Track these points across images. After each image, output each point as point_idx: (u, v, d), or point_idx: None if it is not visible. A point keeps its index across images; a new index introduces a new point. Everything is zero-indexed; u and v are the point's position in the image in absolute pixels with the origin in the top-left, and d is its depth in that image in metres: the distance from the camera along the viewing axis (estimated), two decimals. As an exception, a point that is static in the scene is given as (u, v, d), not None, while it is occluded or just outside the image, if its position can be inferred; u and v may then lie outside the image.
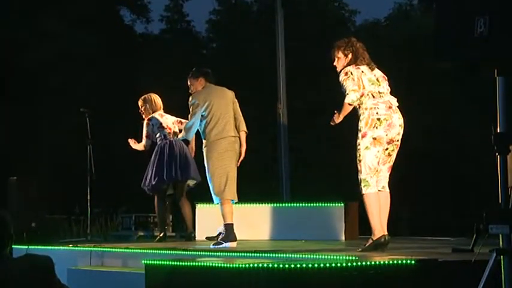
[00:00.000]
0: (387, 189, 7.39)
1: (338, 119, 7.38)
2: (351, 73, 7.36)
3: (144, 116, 10.23)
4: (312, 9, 25.21)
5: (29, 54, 20.84)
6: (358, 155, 7.27)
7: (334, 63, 7.57)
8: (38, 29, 21.17)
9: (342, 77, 7.40)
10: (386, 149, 7.31)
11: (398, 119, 7.35)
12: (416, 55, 21.43)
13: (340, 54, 7.52)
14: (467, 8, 5.15)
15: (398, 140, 7.37)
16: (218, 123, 8.68)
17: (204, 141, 8.78)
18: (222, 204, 8.63)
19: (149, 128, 10.09)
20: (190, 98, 8.85)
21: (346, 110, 7.34)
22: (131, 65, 22.40)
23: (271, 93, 14.80)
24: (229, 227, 8.59)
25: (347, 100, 7.30)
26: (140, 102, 10.24)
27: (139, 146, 10.17)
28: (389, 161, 7.36)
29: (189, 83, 9.10)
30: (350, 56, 7.48)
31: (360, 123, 7.30)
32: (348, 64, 7.46)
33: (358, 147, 7.27)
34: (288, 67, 13.57)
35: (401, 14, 26.03)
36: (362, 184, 7.25)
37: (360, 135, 7.28)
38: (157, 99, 10.23)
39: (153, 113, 10.16)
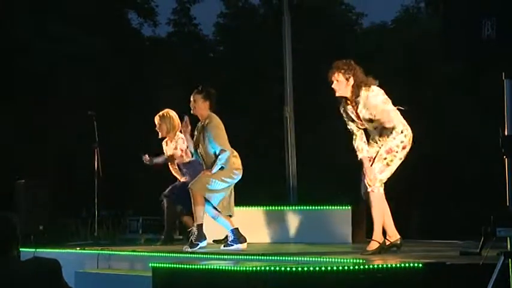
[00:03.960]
0: None
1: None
2: (384, 94, 7.39)
3: (161, 134, 9.74)
4: (318, 12, 25.21)
5: (36, 56, 20.89)
6: (390, 160, 7.32)
7: (333, 86, 7.48)
8: (45, 32, 21.22)
9: (380, 98, 7.35)
10: None
11: None
12: (423, 58, 21.40)
13: (341, 78, 7.42)
14: (475, 11, 5.15)
15: None
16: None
17: (221, 164, 8.59)
18: (196, 205, 8.57)
19: (183, 145, 9.61)
20: (213, 122, 8.59)
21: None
22: (138, 68, 22.43)
23: (278, 95, 14.81)
24: (200, 227, 8.60)
25: (395, 133, 7.32)
26: (157, 119, 9.72)
27: (161, 159, 9.82)
28: None
29: (192, 99, 8.73)
30: (351, 80, 7.40)
31: (402, 137, 7.33)
32: (353, 89, 7.37)
33: (395, 154, 7.32)
34: (295, 70, 13.57)
35: (409, 17, 26.00)
36: (378, 184, 7.30)
37: (401, 145, 7.34)
38: (176, 117, 9.72)
39: (169, 132, 9.70)
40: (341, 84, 7.42)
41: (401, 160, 7.36)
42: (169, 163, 9.85)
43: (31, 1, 21.49)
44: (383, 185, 7.33)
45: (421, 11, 26.29)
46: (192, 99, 8.75)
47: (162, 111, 9.78)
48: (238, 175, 8.63)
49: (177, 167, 9.84)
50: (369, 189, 7.28)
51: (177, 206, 9.68)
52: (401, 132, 7.34)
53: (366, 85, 7.38)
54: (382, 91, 7.42)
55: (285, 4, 13.55)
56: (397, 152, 7.32)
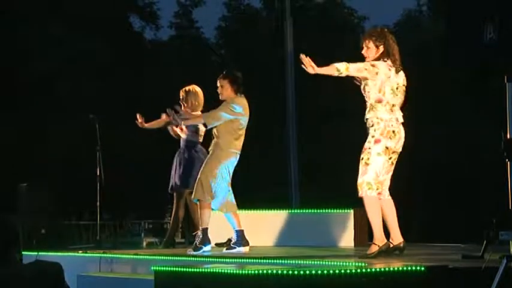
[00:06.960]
0: (389, 196, 7.41)
1: (314, 68, 7.16)
2: (378, 70, 7.17)
3: (184, 108, 9.45)
4: (320, 15, 25.22)
5: (38, 60, 20.91)
6: (366, 158, 7.23)
7: (363, 52, 7.34)
8: (47, 36, 21.24)
9: (365, 64, 7.16)
10: (390, 158, 7.32)
11: (403, 133, 7.37)
12: (426, 61, 21.40)
13: (371, 45, 7.29)
14: (477, 14, 5.15)
15: (399, 151, 7.37)
16: (242, 138, 8.66)
17: (220, 140, 8.62)
18: (202, 208, 8.59)
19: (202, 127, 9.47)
20: (232, 102, 8.59)
21: (329, 71, 7.16)
22: (140, 72, 22.44)
23: (280, 99, 14.82)
24: (205, 231, 8.62)
25: (340, 64, 7.10)
26: (182, 93, 9.68)
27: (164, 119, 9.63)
28: (391, 169, 7.38)
29: (219, 84, 8.72)
30: (382, 48, 7.26)
31: (372, 131, 7.23)
32: (380, 57, 7.24)
33: (369, 150, 7.22)
34: (297, 73, 13.59)
35: (411, 20, 26.00)
36: (366, 187, 7.22)
37: (372, 140, 7.21)
38: (201, 94, 9.67)
39: (193, 107, 9.57)
40: (370, 52, 7.27)
41: (381, 156, 7.18)
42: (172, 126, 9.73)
43: (33, 4, 21.51)
44: (374, 186, 7.23)
45: (423, 14, 26.30)
46: (218, 84, 8.76)
47: (188, 86, 9.77)
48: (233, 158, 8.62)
49: (178, 132, 9.77)
50: (359, 195, 7.27)
51: (185, 196, 9.67)
52: (372, 125, 7.21)
53: (387, 58, 7.21)
54: (379, 69, 7.17)
55: (287, 7, 13.58)
56: (369, 148, 7.19)
